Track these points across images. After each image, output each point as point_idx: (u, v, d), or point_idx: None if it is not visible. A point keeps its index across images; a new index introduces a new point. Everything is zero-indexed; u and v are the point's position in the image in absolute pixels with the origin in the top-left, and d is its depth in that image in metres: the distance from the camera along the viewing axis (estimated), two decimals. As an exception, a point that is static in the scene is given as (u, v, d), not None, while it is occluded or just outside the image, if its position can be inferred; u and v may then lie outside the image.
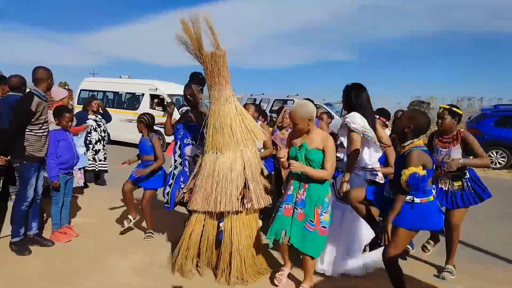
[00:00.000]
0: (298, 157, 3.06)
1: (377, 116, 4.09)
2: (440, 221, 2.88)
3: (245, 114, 3.47)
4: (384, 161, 3.75)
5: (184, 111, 4.37)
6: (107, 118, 6.95)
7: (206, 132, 3.41)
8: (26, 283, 3.33)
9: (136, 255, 3.93)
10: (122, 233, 4.48)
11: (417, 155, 2.71)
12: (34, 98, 3.66)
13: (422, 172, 2.66)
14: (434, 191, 2.90)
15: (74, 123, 5.54)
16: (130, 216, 4.36)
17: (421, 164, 2.70)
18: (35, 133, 3.75)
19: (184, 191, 3.59)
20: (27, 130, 3.70)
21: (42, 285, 3.32)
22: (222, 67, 3.28)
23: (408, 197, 2.80)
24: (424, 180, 2.68)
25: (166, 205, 4.03)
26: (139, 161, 4.47)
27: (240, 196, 3.27)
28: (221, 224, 3.38)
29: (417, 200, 2.79)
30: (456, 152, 3.44)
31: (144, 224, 4.63)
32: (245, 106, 4.57)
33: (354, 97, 3.47)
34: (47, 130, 3.89)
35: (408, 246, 4.32)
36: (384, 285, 3.17)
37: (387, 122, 4.43)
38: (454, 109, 3.49)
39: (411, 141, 2.82)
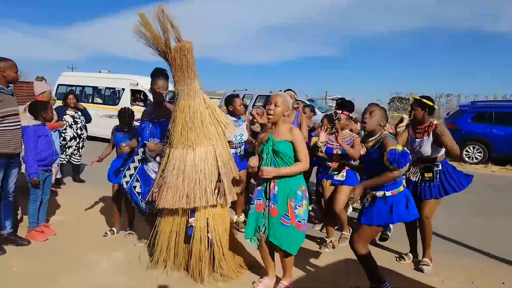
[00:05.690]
0: (265, 150, 3.00)
1: (339, 111, 4.03)
2: (413, 211, 2.91)
3: (214, 107, 3.38)
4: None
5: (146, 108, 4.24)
6: (87, 118, 6.69)
7: (173, 129, 3.27)
8: (3, 282, 3.24)
9: (117, 253, 3.86)
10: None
11: (390, 139, 2.81)
12: None
13: (399, 147, 2.73)
14: (404, 181, 2.95)
15: (55, 119, 5.38)
16: (114, 228, 4.39)
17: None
18: None
19: (155, 189, 3.40)
20: None
21: (21, 284, 3.23)
22: (192, 60, 3.19)
23: (380, 193, 2.86)
24: (405, 155, 2.70)
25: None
26: (109, 153, 4.49)
27: (216, 190, 3.24)
28: (190, 220, 3.30)
29: (388, 193, 2.85)
30: (427, 143, 3.50)
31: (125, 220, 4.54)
32: (230, 98, 4.48)
33: None
34: (11, 124, 3.69)
35: (386, 232, 4.38)
36: (365, 282, 3.19)
37: (351, 114, 4.17)
38: (424, 100, 3.51)
39: (380, 131, 2.92)
